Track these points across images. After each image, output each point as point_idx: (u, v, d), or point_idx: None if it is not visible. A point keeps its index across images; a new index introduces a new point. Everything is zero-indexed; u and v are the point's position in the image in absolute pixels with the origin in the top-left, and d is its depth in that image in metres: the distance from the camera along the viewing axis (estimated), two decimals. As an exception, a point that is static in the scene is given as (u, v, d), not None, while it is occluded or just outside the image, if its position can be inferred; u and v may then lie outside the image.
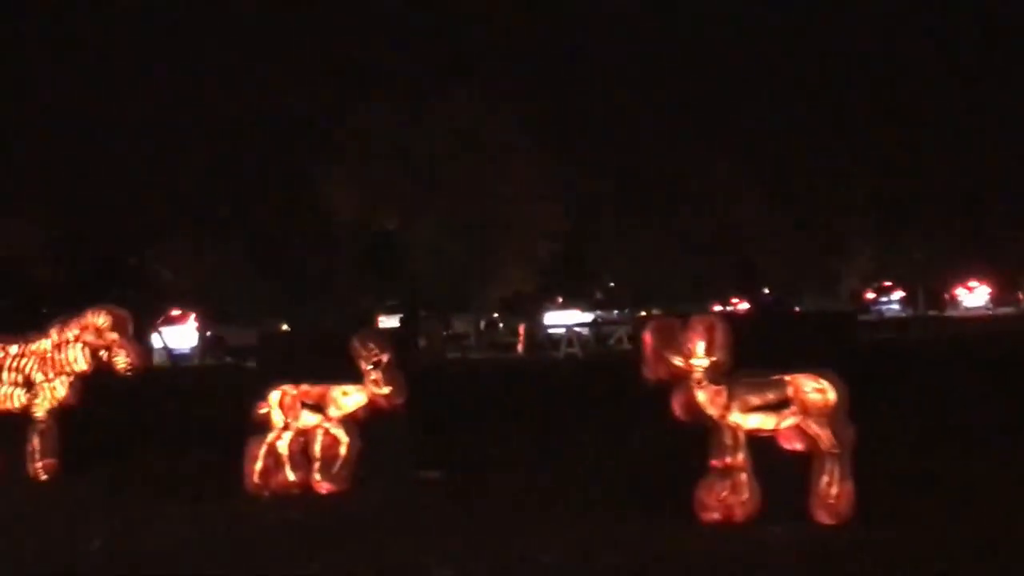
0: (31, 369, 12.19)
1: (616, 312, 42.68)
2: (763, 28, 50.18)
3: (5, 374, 12.25)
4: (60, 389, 12.13)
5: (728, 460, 8.05)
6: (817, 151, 58.55)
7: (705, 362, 8.10)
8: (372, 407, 10.26)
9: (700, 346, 8.13)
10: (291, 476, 10.33)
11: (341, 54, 39.15)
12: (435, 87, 43.04)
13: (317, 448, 10.27)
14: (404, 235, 42.72)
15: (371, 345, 10.22)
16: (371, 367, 10.19)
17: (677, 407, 8.20)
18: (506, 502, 9.47)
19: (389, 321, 39.90)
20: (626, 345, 40.27)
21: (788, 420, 8.00)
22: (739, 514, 8.02)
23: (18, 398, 12.20)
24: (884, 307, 63.00)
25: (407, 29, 42.52)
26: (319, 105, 37.65)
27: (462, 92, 43.27)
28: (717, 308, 54.82)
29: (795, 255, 58.58)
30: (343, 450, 10.21)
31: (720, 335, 8.15)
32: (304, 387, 10.41)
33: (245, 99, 34.29)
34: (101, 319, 12.04)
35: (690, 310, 54.79)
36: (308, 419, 10.35)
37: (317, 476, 10.26)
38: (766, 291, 61.42)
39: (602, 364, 17.37)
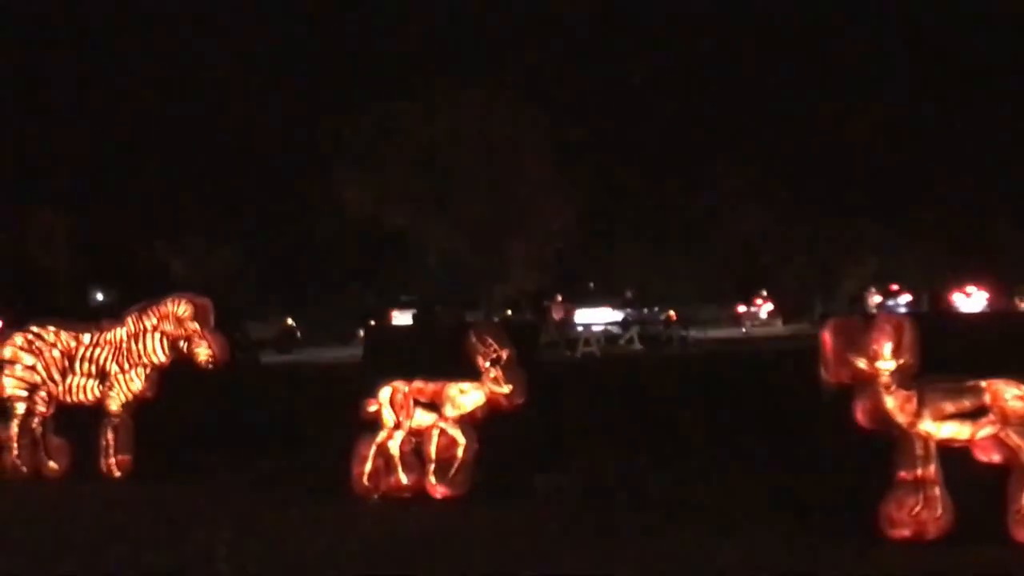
0: (106, 360, 11.49)
1: (646, 311, 42.14)
2: (773, 32, 49.65)
3: (78, 364, 11.56)
4: (136, 381, 11.44)
5: (919, 472, 7.44)
6: (821, 153, 58.16)
7: (893, 365, 7.49)
8: (491, 407, 9.60)
9: (887, 347, 7.51)
10: (404, 479, 9.67)
11: (356, 50, 38.26)
12: (448, 86, 42.28)
13: (432, 449, 9.60)
14: (415, 233, 42.04)
15: (489, 340, 9.57)
16: (490, 364, 9.53)
17: (861, 414, 7.59)
18: (651, 512, 8.82)
19: (403, 317, 39.22)
20: (636, 346, 39.72)
21: (985, 429, 7.38)
22: (932, 531, 7.40)
23: (91, 390, 11.51)
24: (890, 310, 62.60)
25: (420, 26, 41.51)
26: (334, 102, 36.78)
27: (475, 91, 42.61)
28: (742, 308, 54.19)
29: (797, 256, 58.17)
30: (460, 452, 9.54)
31: (908, 335, 7.54)
32: (417, 384, 9.75)
33: (261, 95, 33.50)
34: (182, 308, 11.36)
35: (712, 311, 54.22)
36: (422, 418, 9.68)
37: (432, 479, 9.59)
38: (764, 293, 60.99)
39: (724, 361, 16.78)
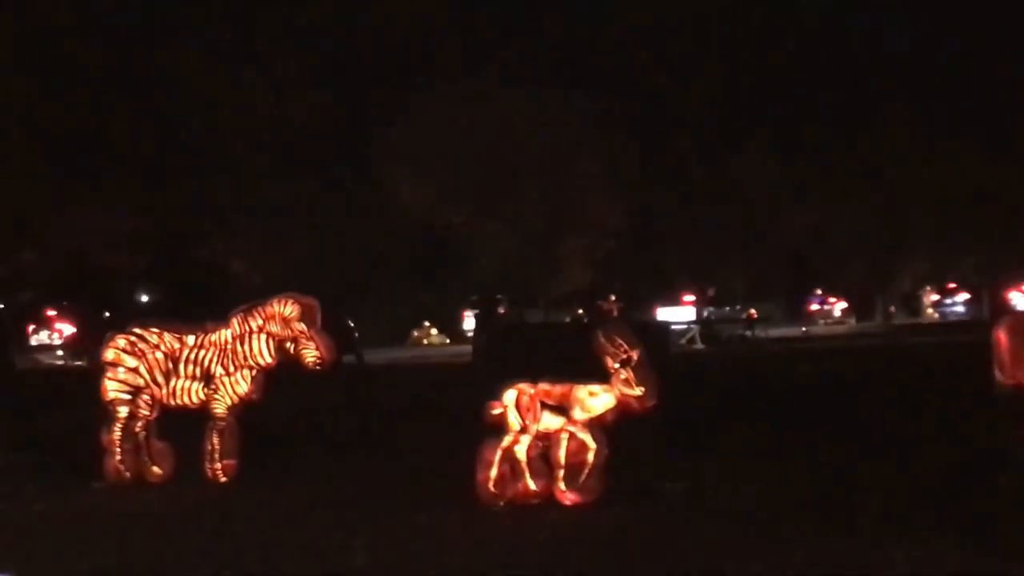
0: (210, 362, 11.20)
1: (727, 309, 41.67)
2: (828, 26, 49.04)
3: (182, 366, 11.27)
4: (241, 384, 11.15)
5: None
6: (876, 149, 57.40)
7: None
8: (622, 410, 9.23)
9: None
10: (532, 485, 9.31)
11: (408, 47, 37.99)
12: (500, 83, 41.97)
13: (561, 454, 9.24)
14: (470, 232, 41.80)
15: (619, 340, 9.20)
16: (619, 365, 9.16)
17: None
18: (793, 521, 8.42)
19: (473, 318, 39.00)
20: (698, 345, 39.32)
21: None
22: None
23: (196, 393, 11.22)
24: (948, 309, 61.81)
25: (473, 22, 41.23)
26: (387, 99, 36.55)
27: (528, 90, 42.34)
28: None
29: (851, 254, 57.47)
30: (591, 457, 9.18)
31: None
32: (543, 386, 9.39)
33: (314, 92, 33.28)
34: (288, 308, 11.06)
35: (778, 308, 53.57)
36: (550, 422, 9.32)
37: (561, 486, 9.24)
38: (818, 291, 60.33)
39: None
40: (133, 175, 29.96)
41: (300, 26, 35.62)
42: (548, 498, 9.26)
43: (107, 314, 34.79)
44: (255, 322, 11.13)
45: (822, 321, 52.69)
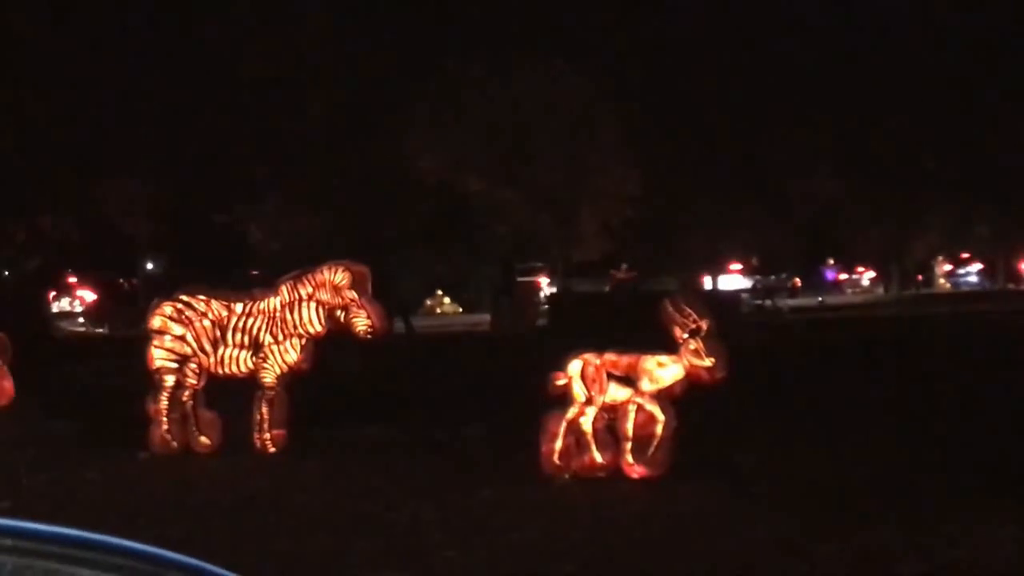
0: (259, 330, 10.98)
1: (773, 277, 41.52)
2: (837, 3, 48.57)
3: (230, 335, 11.04)
4: (291, 352, 10.93)
5: None
6: (889, 121, 57.02)
7: None
8: (691, 381, 9.00)
9: None
10: (598, 458, 9.10)
11: (429, 14, 37.66)
12: (520, 52, 41.64)
13: (629, 426, 9.02)
14: (487, 200, 41.52)
15: (688, 310, 8.95)
16: (688, 335, 8.93)
17: None
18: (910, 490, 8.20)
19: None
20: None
21: None
22: None
23: (244, 362, 11.00)
24: (961, 279, 61.49)
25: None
26: (407, 68, 36.26)
27: (545, 59, 42.04)
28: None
29: (864, 225, 57.14)
30: (659, 429, 8.96)
31: None
32: (610, 356, 9.16)
33: (332, 58, 33.01)
34: (339, 275, 10.83)
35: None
36: (617, 393, 9.10)
37: (629, 459, 9.02)
38: (831, 262, 60.03)
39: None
40: (154, 142, 29.72)
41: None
42: (614, 471, 9.04)
43: (129, 282, 34.61)
44: (305, 289, 10.90)
45: (850, 290, 52.46)
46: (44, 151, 27.38)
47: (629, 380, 9.04)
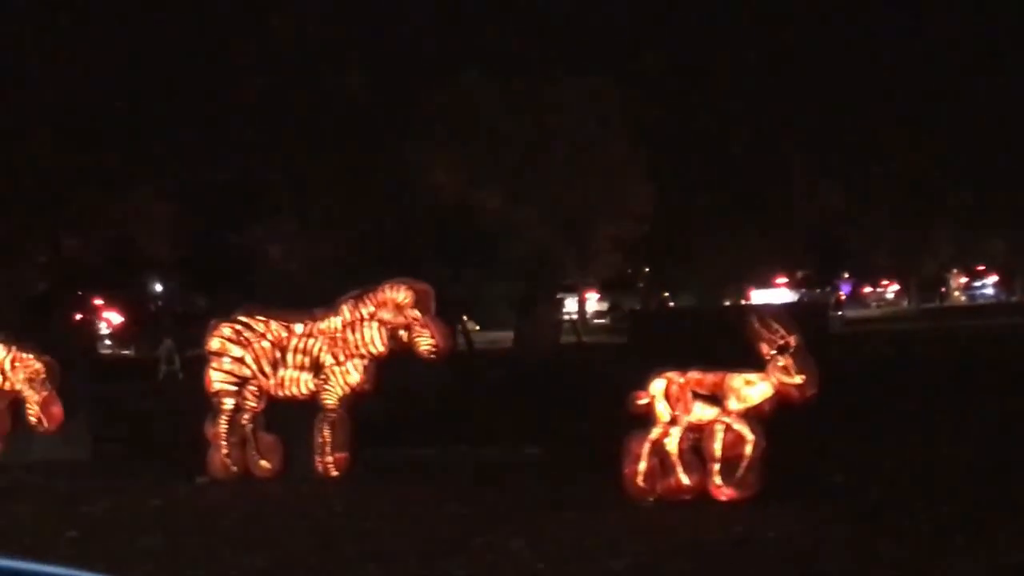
0: (320, 351, 10.70)
1: (819, 291, 41.26)
2: (851, 8, 48.50)
3: (290, 356, 10.77)
4: (353, 373, 10.65)
5: None
6: (901, 133, 56.82)
7: None
8: (780, 399, 8.73)
9: None
10: (685, 480, 8.82)
11: (443, 31, 37.56)
12: (532, 68, 41.54)
13: (717, 447, 8.74)
14: (503, 217, 41.26)
15: (775, 325, 8.69)
16: (776, 352, 8.65)
17: None
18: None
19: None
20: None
21: None
22: None
23: (305, 383, 10.73)
24: (977, 292, 61.19)
25: (507, 7, 40.83)
26: (421, 83, 36.12)
27: (563, 78, 41.91)
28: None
29: (877, 238, 56.91)
30: (748, 450, 8.68)
31: None
32: (694, 374, 8.88)
33: (348, 74, 32.84)
34: (401, 295, 10.56)
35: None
36: (702, 413, 8.82)
37: (717, 480, 8.74)
38: (845, 275, 59.77)
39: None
40: (173, 162, 29.53)
41: (337, 7, 35.19)
42: (701, 494, 8.75)
43: (156, 304, 34.36)
44: (366, 309, 10.64)
45: (874, 303, 52.27)
46: (63, 170, 27.18)
47: (715, 399, 8.76)
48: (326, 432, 10.60)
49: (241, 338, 10.81)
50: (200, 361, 25.05)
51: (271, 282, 34.56)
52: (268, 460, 10.75)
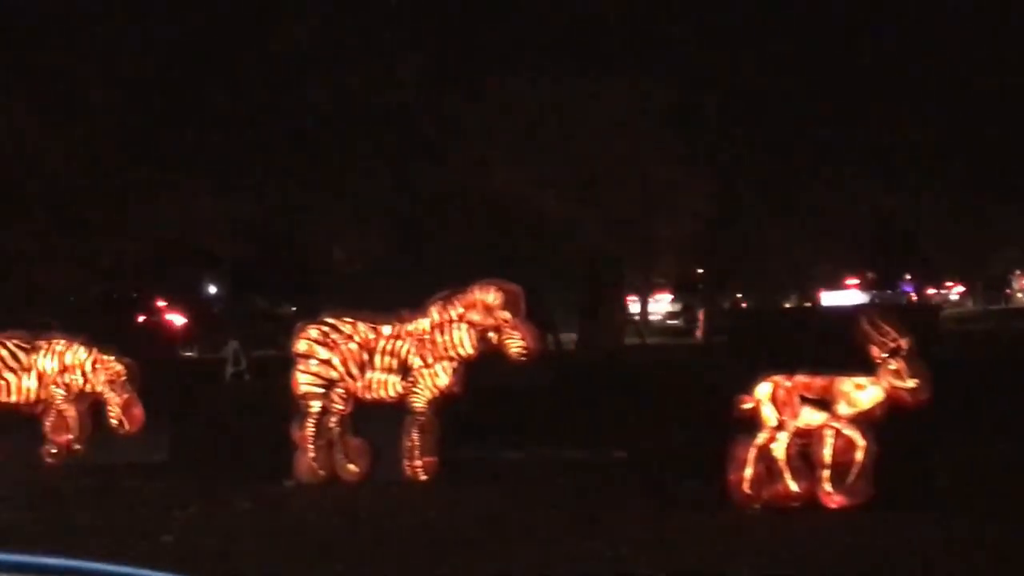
0: (408, 353, 10.52)
1: (889, 292, 40.72)
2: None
3: (377, 358, 10.59)
4: (441, 376, 10.46)
5: None
6: (967, 132, 55.95)
7: None
8: (891, 403, 8.42)
9: None
10: (793, 486, 8.53)
11: (502, 32, 37.31)
12: (584, 69, 41.11)
13: (826, 453, 8.45)
14: (561, 217, 40.97)
15: (887, 328, 8.38)
16: (888, 355, 8.35)
17: None
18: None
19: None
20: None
21: None
22: None
23: (393, 386, 10.55)
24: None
25: (566, 8, 40.48)
26: (475, 82, 35.88)
27: (617, 77, 41.49)
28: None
29: (942, 239, 56.00)
30: (859, 455, 8.39)
31: None
32: (802, 378, 8.60)
33: (408, 74, 32.67)
34: (491, 296, 10.36)
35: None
36: (811, 417, 8.54)
37: (827, 487, 8.45)
38: (907, 276, 58.89)
39: None
40: (231, 158, 29.53)
41: (398, 6, 35.13)
42: (810, 501, 8.46)
43: (218, 305, 34.44)
44: (455, 311, 10.44)
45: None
46: (122, 171, 27.26)
47: (824, 403, 8.46)
48: (415, 435, 10.42)
49: (328, 340, 10.65)
50: (265, 362, 25.02)
51: (332, 283, 34.63)
52: (356, 464, 10.58)
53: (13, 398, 12.46)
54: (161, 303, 31.73)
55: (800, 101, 50.59)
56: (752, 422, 8.63)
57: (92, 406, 12.49)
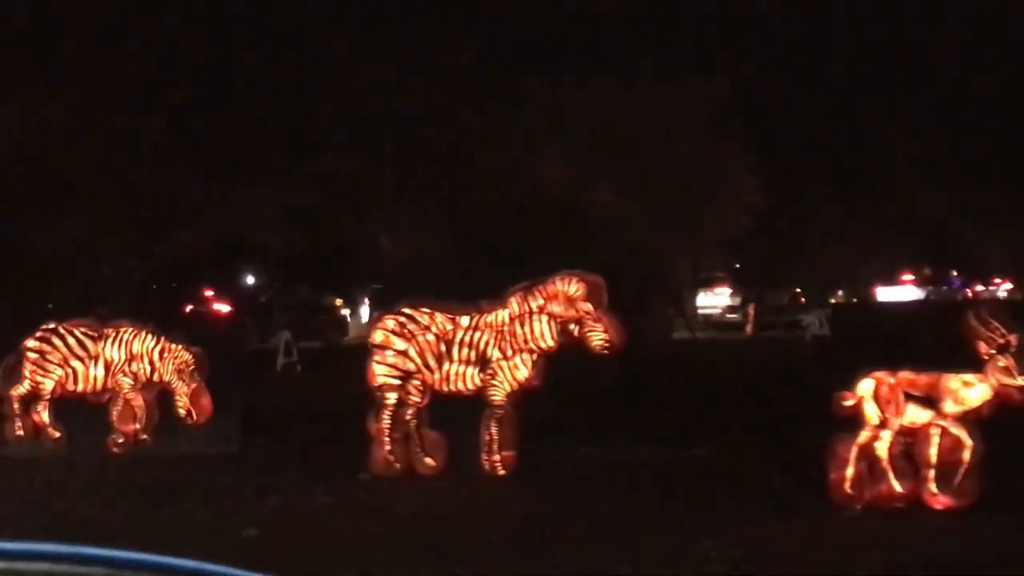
0: (487, 345, 10.29)
1: (945, 288, 40.21)
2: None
3: (455, 350, 10.37)
4: (521, 368, 10.22)
5: None
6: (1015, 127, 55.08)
7: None
8: (1000, 401, 8.10)
9: None
10: (897, 487, 8.22)
11: (551, 29, 37.13)
12: (633, 62, 40.73)
13: (932, 452, 8.15)
14: (610, 210, 40.67)
15: (994, 323, 8.06)
16: (996, 351, 8.02)
17: None
18: None
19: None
20: (822, 330, 37.93)
21: None
22: None
23: (471, 378, 10.32)
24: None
25: (610, 7, 40.26)
26: (524, 75, 35.69)
27: (658, 69, 41.07)
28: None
29: (989, 235, 55.15)
30: (966, 455, 8.07)
31: None
32: (906, 375, 8.30)
33: (459, 68, 32.51)
34: (573, 287, 10.12)
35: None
36: (916, 415, 8.23)
37: (932, 488, 8.14)
38: (954, 273, 58.09)
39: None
40: (285, 151, 29.46)
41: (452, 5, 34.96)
42: (914, 502, 8.16)
43: (267, 296, 34.35)
44: (535, 302, 10.20)
45: None
46: (176, 164, 27.26)
47: (929, 401, 8.15)
48: (493, 429, 10.19)
49: (405, 331, 10.44)
50: (311, 353, 24.82)
51: (383, 272, 34.47)
52: (432, 457, 10.36)
53: (80, 387, 12.35)
54: (208, 292, 31.67)
55: (850, 97, 50.03)
56: (853, 420, 8.31)
57: (159, 396, 12.36)
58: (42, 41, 27.47)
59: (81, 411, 12.33)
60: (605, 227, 41.05)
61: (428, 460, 10.35)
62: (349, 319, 38.32)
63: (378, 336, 10.49)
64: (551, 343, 10.14)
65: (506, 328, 10.24)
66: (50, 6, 27.64)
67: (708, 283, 40.66)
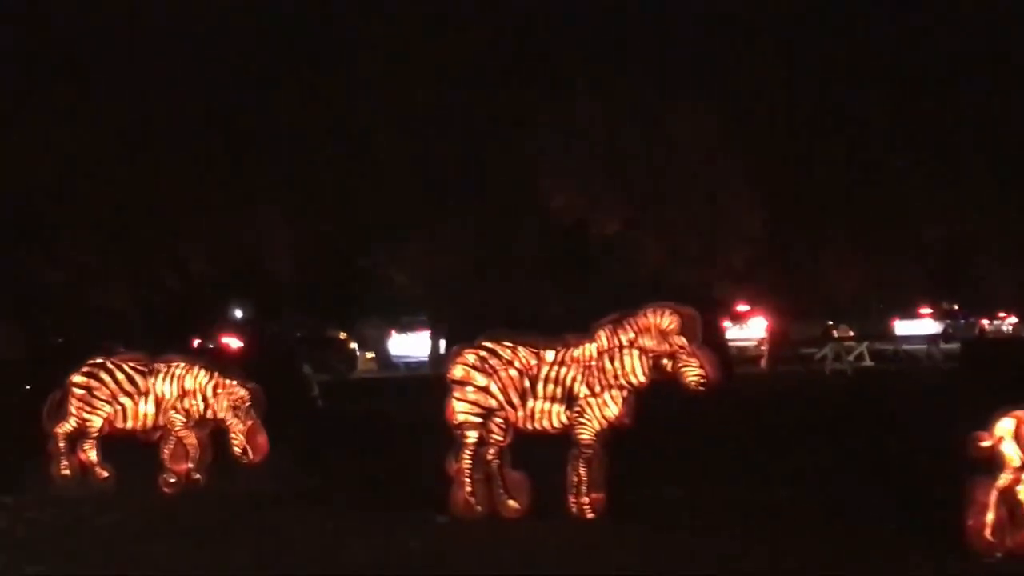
0: (573, 380, 9.75)
1: (962, 322, 39.86)
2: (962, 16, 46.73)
3: (540, 386, 9.82)
4: (610, 406, 9.68)
5: None
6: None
7: None
8: None
9: None
10: (1044, 534, 7.70)
11: (560, 57, 36.89)
12: (648, 91, 40.40)
13: (1083, 497, 7.62)
14: (621, 240, 40.24)
15: None
16: None
17: None
18: None
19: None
20: (867, 362, 37.47)
21: None
22: None
23: (557, 416, 9.77)
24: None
25: (621, 32, 40.05)
26: (535, 103, 35.34)
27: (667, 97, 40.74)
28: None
29: (994, 269, 54.86)
30: (1119, 501, 7.54)
31: None
32: (1047, 413, 7.78)
33: (468, 98, 32.16)
34: (666, 320, 9.59)
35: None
36: (1061, 458, 7.71)
37: (1082, 535, 7.61)
38: (955, 307, 57.82)
39: None
40: (298, 181, 29.03)
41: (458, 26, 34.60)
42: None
43: (272, 328, 33.83)
44: (626, 335, 9.67)
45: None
46: (188, 192, 26.80)
47: (1074, 442, 7.64)
48: (581, 470, 9.64)
49: (486, 366, 9.89)
50: (331, 387, 24.23)
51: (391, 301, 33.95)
52: (516, 499, 9.80)
53: (129, 424, 11.78)
54: (216, 326, 31.12)
55: (859, 127, 49.73)
56: (993, 462, 7.79)
57: (213, 434, 11.79)
58: (50, 69, 27.07)
59: (131, 450, 11.73)
60: (612, 255, 40.63)
61: (511, 502, 9.79)
62: (358, 352, 37.84)
63: (458, 371, 9.94)
64: (643, 379, 9.62)
65: (594, 363, 9.71)
66: (61, 43, 27.19)
67: (739, 316, 40.17)
